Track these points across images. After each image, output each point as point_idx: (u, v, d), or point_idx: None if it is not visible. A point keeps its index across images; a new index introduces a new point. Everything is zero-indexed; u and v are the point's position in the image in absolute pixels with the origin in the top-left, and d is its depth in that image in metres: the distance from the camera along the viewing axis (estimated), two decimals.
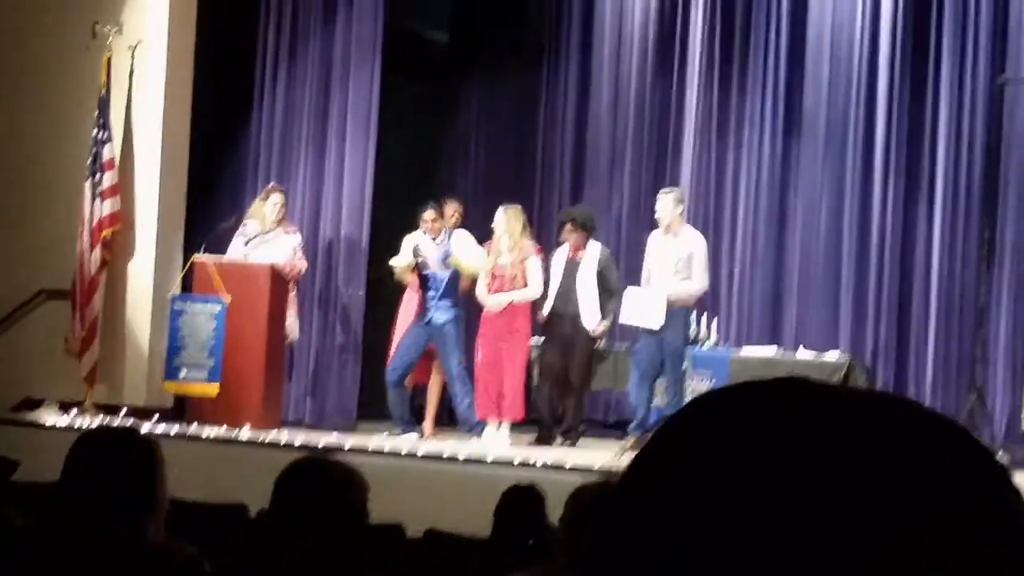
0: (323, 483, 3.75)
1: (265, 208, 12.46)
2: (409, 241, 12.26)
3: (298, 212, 13.21)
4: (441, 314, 12.02)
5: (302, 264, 12.54)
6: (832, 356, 12.27)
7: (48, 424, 12.08)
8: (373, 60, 13.50)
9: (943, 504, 0.79)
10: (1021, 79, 12.61)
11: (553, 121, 14.58)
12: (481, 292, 12.23)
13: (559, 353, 12.16)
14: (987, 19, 12.78)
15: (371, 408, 13.00)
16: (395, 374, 12.16)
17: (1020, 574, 0.80)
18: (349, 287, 13.37)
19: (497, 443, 11.86)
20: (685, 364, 12.09)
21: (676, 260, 11.95)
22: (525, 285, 12.19)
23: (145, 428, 10.16)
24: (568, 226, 12.21)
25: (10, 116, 13.31)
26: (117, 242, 12.88)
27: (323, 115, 13.58)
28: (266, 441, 11.46)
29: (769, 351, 12.57)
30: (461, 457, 11.03)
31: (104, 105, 12.91)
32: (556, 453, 11.31)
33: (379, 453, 11.14)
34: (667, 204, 12.03)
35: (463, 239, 12.25)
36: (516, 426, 12.28)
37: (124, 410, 12.24)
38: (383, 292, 13.08)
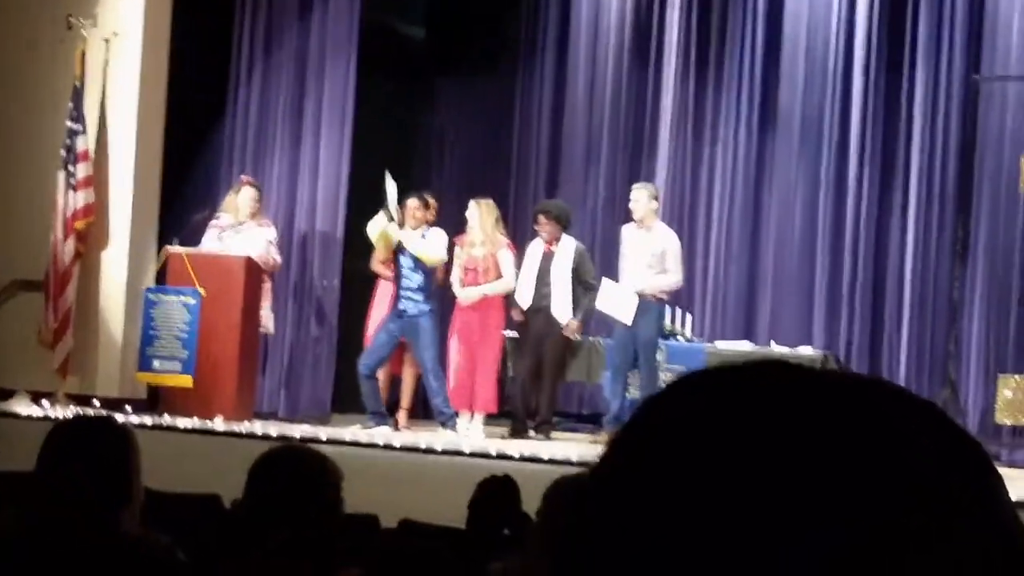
0: (297, 473, 3.74)
1: (238, 201, 12.45)
2: (376, 224, 12.22)
3: (273, 205, 13.19)
4: (415, 307, 12.01)
5: (276, 257, 12.53)
6: (806, 351, 12.31)
7: (21, 414, 12.04)
8: (349, 55, 13.49)
9: (929, 487, 0.79)
10: (995, 78, 12.66)
11: (529, 117, 14.57)
12: (455, 285, 12.25)
13: (533, 346, 12.18)
14: (962, 18, 12.82)
15: (345, 400, 13.00)
16: (367, 368, 12.16)
17: (1006, 557, 0.80)
18: (324, 279, 13.36)
19: (472, 435, 11.88)
20: (659, 358, 12.11)
21: (650, 255, 11.99)
22: (497, 278, 12.21)
23: (118, 419, 10.12)
24: (541, 217, 12.24)
25: None
26: (91, 233, 12.84)
27: (298, 109, 13.56)
28: (240, 432, 11.45)
29: (743, 346, 12.61)
30: (437, 448, 11.04)
31: (78, 97, 12.87)
32: (531, 445, 11.33)
33: (355, 444, 11.14)
34: (641, 198, 12.08)
35: (436, 235, 12.26)
36: (490, 419, 12.30)
37: (97, 401, 12.21)
38: (358, 285, 13.07)
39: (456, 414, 12.08)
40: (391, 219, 12.15)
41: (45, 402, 12.35)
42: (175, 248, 12.24)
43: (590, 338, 12.72)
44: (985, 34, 12.73)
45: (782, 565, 0.77)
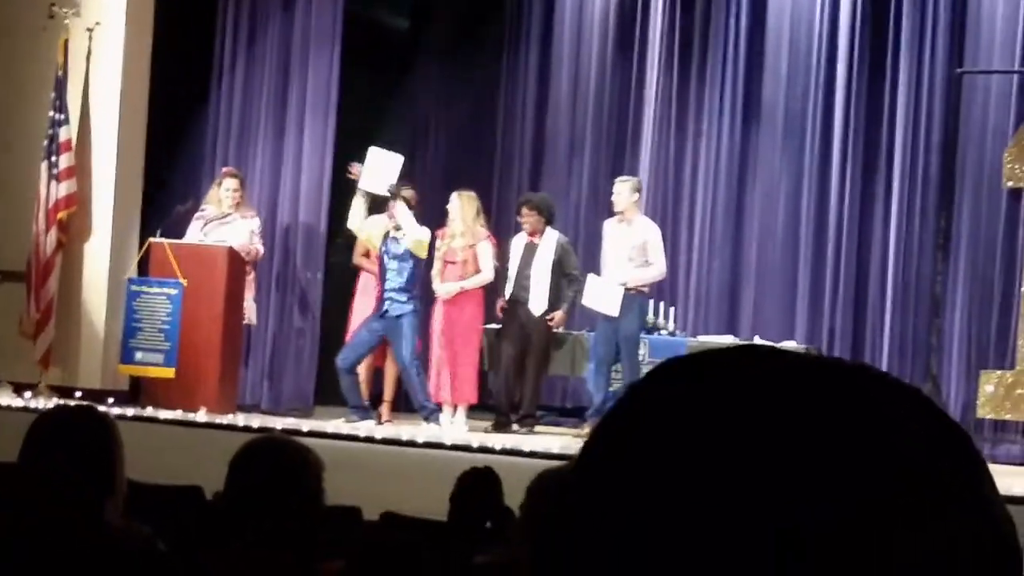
0: (278, 464, 3.73)
1: (220, 193, 12.42)
2: (356, 216, 12.16)
3: (256, 196, 13.17)
4: (398, 308, 11.94)
5: (259, 247, 12.51)
6: (789, 345, 12.33)
7: (3, 405, 12.01)
8: (333, 45, 13.47)
9: (920, 467, 0.79)
10: (978, 72, 12.68)
11: (512, 109, 14.56)
12: (434, 279, 12.24)
13: (516, 339, 12.17)
14: (945, 11, 12.84)
15: (328, 392, 12.98)
16: (346, 362, 12.09)
17: (995, 542, 0.80)
18: (307, 271, 13.34)
19: (454, 428, 11.87)
20: (642, 351, 12.12)
21: (631, 248, 12.00)
22: (476, 271, 12.20)
23: (100, 410, 10.10)
24: (524, 209, 12.25)
25: None
26: (73, 224, 12.81)
27: (282, 100, 13.54)
28: (222, 423, 11.43)
29: (726, 340, 12.62)
30: (419, 441, 11.03)
31: (61, 87, 12.83)
32: (514, 438, 11.33)
33: (337, 436, 11.12)
34: (623, 191, 12.09)
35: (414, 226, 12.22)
36: (473, 412, 12.30)
37: (79, 392, 12.18)
38: (341, 277, 13.06)
39: (438, 408, 12.06)
40: (375, 200, 12.06)
41: (27, 393, 12.32)
42: (158, 239, 12.21)
43: (574, 331, 12.72)
44: (968, 28, 12.75)
45: (771, 543, 0.76)
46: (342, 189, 13.15)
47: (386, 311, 11.97)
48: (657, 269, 12.12)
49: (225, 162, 13.22)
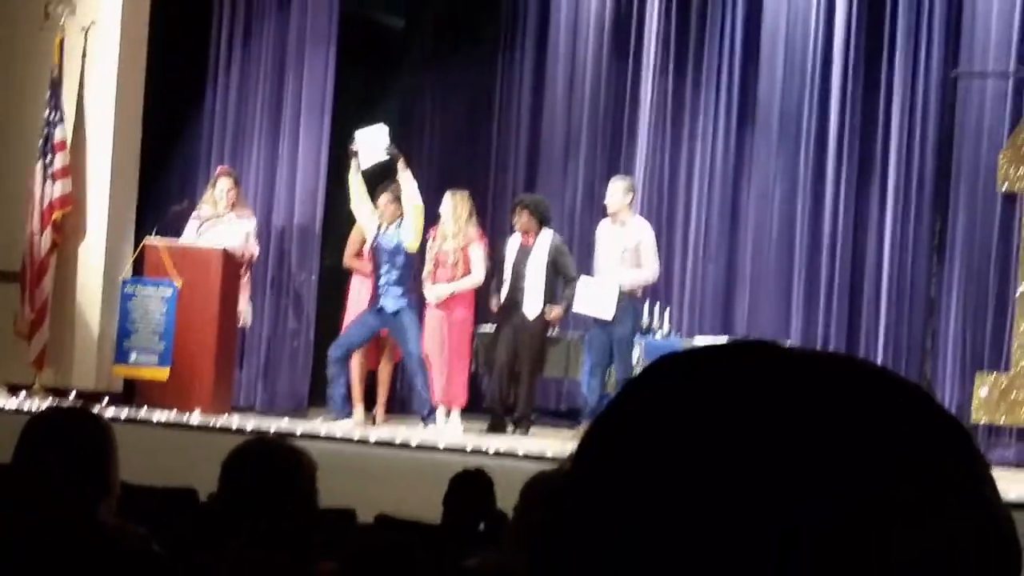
0: (271, 465, 3.73)
1: (215, 193, 12.41)
2: (355, 180, 12.14)
3: (251, 196, 13.16)
4: (393, 302, 11.97)
5: (254, 249, 12.50)
6: None
7: None
8: (328, 45, 13.46)
9: (919, 462, 0.79)
10: (973, 73, 12.68)
11: (508, 110, 14.55)
12: (424, 281, 12.24)
13: (511, 340, 12.16)
14: (940, 13, 12.84)
15: (323, 394, 12.96)
16: (339, 350, 12.09)
17: (996, 537, 0.80)
18: (302, 272, 13.33)
19: (450, 430, 11.87)
20: (636, 354, 12.11)
21: (623, 249, 12.00)
22: (467, 272, 12.20)
23: (94, 412, 10.09)
24: (518, 209, 12.24)
25: None
26: (68, 224, 12.80)
27: (277, 100, 13.53)
28: (216, 425, 11.42)
29: (721, 341, 12.59)
30: (414, 443, 11.03)
31: (56, 86, 12.82)
32: (508, 441, 11.32)
33: (331, 439, 11.11)
34: (616, 192, 12.09)
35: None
36: (468, 415, 12.29)
37: (73, 393, 12.17)
38: (336, 278, 13.04)
39: (434, 409, 12.06)
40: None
41: (21, 394, 12.30)
42: (153, 239, 12.20)
43: (568, 333, 12.72)
44: (963, 29, 12.75)
45: (772, 542, 0.76)
46: (337, 190, 13.15)
47: (382, 307, 11.97)
48: (648, 272, 12.10)
49: (220, 162, 13.20)
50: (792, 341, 12.75)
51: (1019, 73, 12.49)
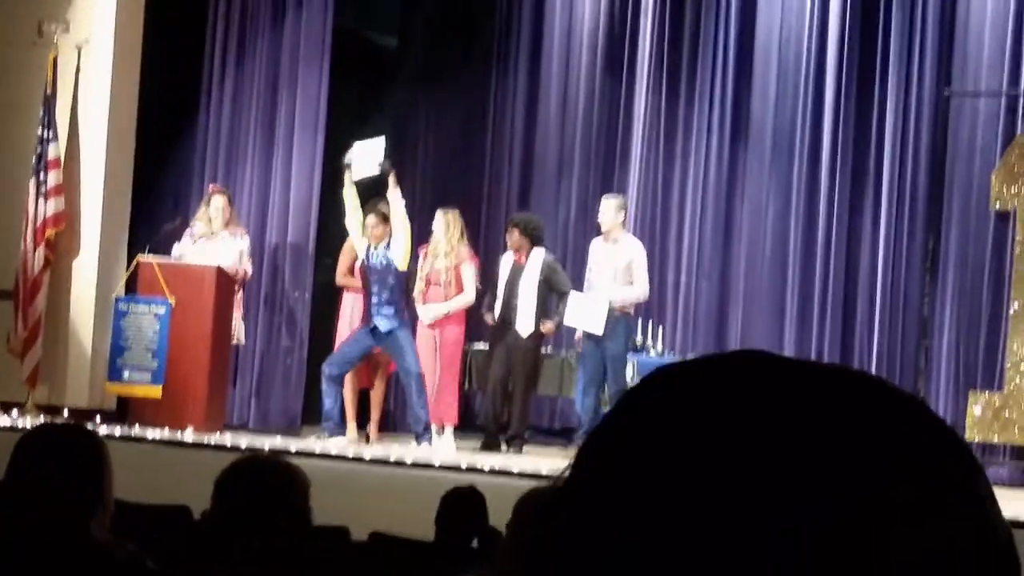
0: (264, 482, 3.72)
1: (209, 211, 12.41)
2: (349, 194, 12.12)
3: (244, 212, 13.16)
4: (386, 322, 11.94)
5: (248, 267, 12.50)
6: None
7: None
8: (321, 63, 13.48)
9: (919, 462, 0.79)
10: (966, 92, 12.71)
11: (501, 127, 14.57)
12: (416, 299, 12.23)
13: (504, 358, 12.16)
14: (933, 32, 12.87)
15: (316, 412, 12.94)
16: (334, 368, 12.06)
17: (995, 539, 0.80)
18: (295, 290, 13.33)
19: (443, 449, 11.85)
20: (629, 372, 12.10)
21: (615, 268, 12.00)
22: (460, 290, 12.21)
23: (88, 428, 10.07)
24: (510, 228, 12.25)
25: None
26: (61, 242, 12.79)
27: (270, 117, 13.54)
28: (209, 443, 11.41)
29: None
30: (408, 461, 11.02)
31: (50, 103, 12.82)
32: (501, 459, 11.31)
33: (325, 456, 11.10)
34: (608, 210, 12.10)
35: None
36: (461, 433, 12.28)
37: (66, 411, 12.15)
38: (328, 295, 13.04)
39: (429, 428, 12.04)
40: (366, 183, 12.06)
41: (14, 412, 12.28)
42: (146, 257, 12.20)
43: (562, 351, 12.71)
44: (956, 47, 12.79)
45: (772, 542, 0.76)
46: (330, 207, 13.15)
47: (375, 327, 11.96)
48: (639, 290, 12.10)
49: (214, 179, 13.21)
50: None
51: (1011, 92, 12.53)
